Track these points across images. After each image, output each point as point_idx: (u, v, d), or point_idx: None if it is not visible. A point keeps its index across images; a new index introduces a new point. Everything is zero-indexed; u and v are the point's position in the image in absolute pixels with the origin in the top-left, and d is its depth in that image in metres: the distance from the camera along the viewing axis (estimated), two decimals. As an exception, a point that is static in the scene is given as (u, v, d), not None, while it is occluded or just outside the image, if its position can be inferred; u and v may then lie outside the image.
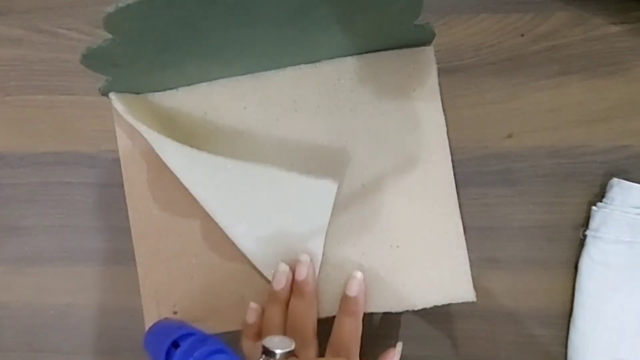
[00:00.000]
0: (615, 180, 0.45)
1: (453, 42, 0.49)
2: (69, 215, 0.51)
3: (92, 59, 0.33)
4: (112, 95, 0.41)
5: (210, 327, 0.42)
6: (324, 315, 0.42)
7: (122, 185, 0.46)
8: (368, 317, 0.44)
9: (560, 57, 0.49)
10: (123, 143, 0.44)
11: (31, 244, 0.51)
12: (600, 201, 0.46)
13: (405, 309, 0.41)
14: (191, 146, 0.42)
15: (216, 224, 0.42)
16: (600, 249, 0.45)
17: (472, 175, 0.48)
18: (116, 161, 0.46)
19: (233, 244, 0.41)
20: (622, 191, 0.44)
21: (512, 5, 0.50)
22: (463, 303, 0.40)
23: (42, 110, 0.52)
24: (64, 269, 0.51)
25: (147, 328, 0.42)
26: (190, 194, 0.41)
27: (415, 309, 0.40)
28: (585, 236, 0.46)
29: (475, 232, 0.47)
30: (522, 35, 0.49)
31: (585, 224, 0.47)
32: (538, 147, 0.49)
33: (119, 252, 0.50)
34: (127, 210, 0.46)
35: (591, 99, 0.49)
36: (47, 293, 0.51)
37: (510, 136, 0.49)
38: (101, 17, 0.27)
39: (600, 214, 0.45)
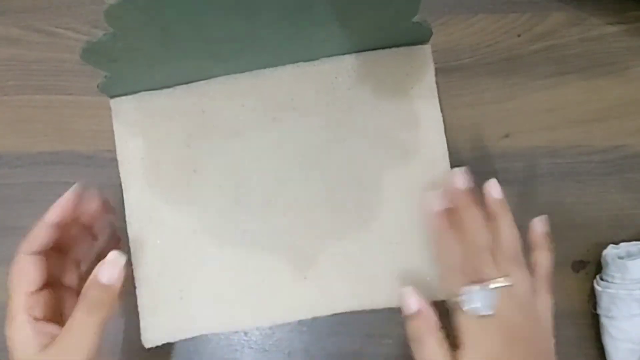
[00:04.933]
0: (609, 257, 0.45)
1: (450, 42, 0.50)
2: (66, 215, 0.51)
3: (92, 54, 0.33)
4: (112, 103, 0.42)
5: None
6: (326, 312, 0.42)
7: (120, 186, 0.46)
8: (368, 316, 0.44)
9: (557, 57, 0.49)
10: (120, 143, 0.44)
11: (28, 244, 0.51)
12: (600, 275, 0.46)
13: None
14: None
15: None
16: (618, 328, 0.44)
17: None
18: (113, 161, 0.46)
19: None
20: (619, 269, 0.44)
21: (509, 5, 0.50)
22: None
23: (39, 110, 0.52)
24: (61, 269, 0.50)
25: (143, 327, 0.42)
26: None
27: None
28: (597, 313, 0.46)
29: (473, 231, 0.47)
30: (519, 35, 0.50)
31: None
32: (535, 147, 0.49)
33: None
34: (124, 210, 0.45)
35: (588, 99, 0.49)
36: (43, 293, 0.51)
37: (507, 136, 0.49)
38: (102, 10, 0.27)
39: (606, 295, 0.45)
